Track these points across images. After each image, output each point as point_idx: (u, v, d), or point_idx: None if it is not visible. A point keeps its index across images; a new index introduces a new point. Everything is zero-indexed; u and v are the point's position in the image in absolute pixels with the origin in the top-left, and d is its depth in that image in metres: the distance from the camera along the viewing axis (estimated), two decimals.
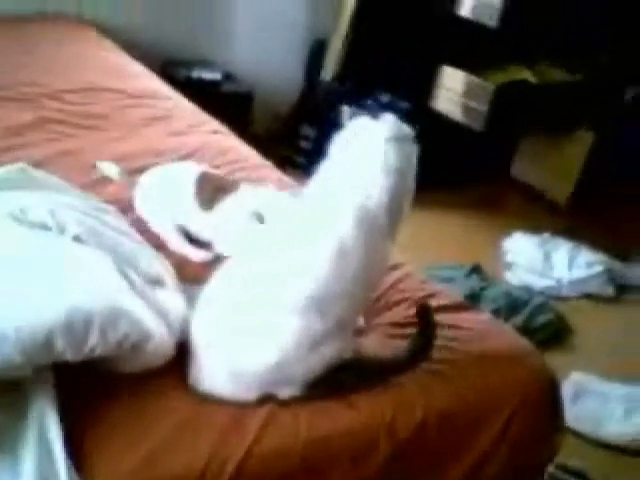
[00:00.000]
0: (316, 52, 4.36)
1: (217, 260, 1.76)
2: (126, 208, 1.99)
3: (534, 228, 3.74)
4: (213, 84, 3.97)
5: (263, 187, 2.02)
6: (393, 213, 1.56)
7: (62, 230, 1.54)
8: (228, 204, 1.92)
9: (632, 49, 4.00)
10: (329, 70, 4.19)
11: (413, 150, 1.62)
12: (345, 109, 3.87)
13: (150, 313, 1.45)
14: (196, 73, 3.96)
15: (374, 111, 3.75)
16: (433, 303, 1.83)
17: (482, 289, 3.14)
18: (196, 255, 1.91)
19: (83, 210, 1.66)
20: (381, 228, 1.55)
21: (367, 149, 1.58)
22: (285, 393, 1.48)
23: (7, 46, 3.21)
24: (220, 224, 1.91)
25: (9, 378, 1.29)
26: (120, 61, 3.35)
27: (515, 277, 3.44)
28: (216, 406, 1.45)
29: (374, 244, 1.53)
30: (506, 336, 1.88)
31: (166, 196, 2.00)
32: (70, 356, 1.32)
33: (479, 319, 1.90)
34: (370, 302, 1.72)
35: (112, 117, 2.71)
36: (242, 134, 2.81)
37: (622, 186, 4.23)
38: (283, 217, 1.68)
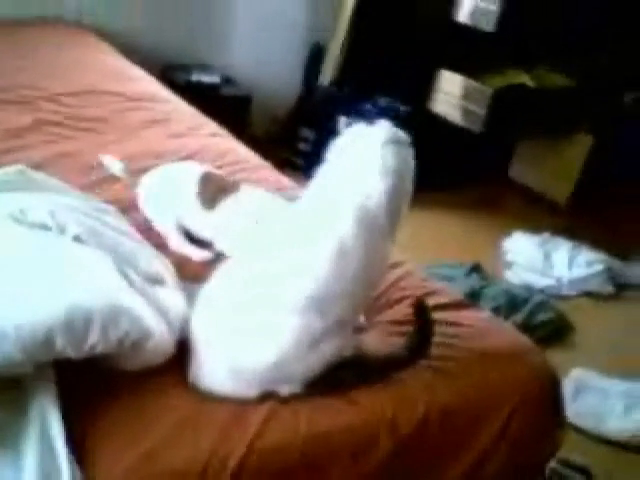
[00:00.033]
0: (314, 56, 4.38)
1: (217, 259, 1.77)
2: (126, 208, 1.99)
3: (534, 228, 3.75)
4: (212, 87, 3.98)
5: (263, 189, 2.02)
6: (392, 213, 1.57)
7: (62, 230, 1.54)
8: (229, 204, 1.93)
9: (631, 52, 4.01)
10: (327, 74, 4.20)
11: (409, 154, 1.63)
12: (342, 119, 3.87)
13: (150, 311, 1.45)
14: (195, 77, 3.98)
15: (372, 114, 3.79)
16: (434, 301, 1.84)
17: (482, 288, 3.15)
18: (196, 254, 1.91)
19: (83, 211, 1.67)
20: (381, 228, 1.55)
21: (365, 152, 1.59)
22: (285, 390, 1.48)
23: (7, 50, 3.22)
24: (221, 223, 1.92)
25: (10, 375, 1.30)
26: (119, 65, 3.36)
27: (515, 276, 3.45)
28: (217, 403, 1.45)
29: (374, 244, 1.54)
30: (506, 334, 1.88)
31: (169, 195, 2.01)
32: (70, 354, 1.32)
33: (479, 317, 1.91)
34: (370, 300, 1.72)
35: (111, 120, 2.72)
36: (241, 137, 2.82)
37: (622, 186, 4.24)
38: (283, 217, 1.68)
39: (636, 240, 3.84)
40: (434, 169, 3.39)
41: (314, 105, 4.28)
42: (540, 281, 3.41)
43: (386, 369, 1.59)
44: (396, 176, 1.57)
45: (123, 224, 1.79)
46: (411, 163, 1.63)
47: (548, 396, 1.74)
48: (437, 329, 1.67)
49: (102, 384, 1.41)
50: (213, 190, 1.97)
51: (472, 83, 3.75)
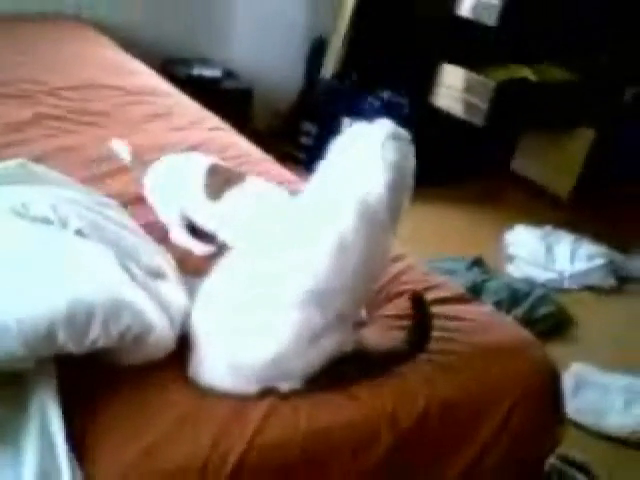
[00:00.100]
0: (316, 49, 4.37)
1: (219, 253, 1.76)
2: (128, 202, 1.99)
3: (536, 221, 3.76)
4: (213, 81, 3.98)
5: (268, 182, 2.03)
6: (393, 208, 1.56)
7: (64, 224, 1.53)
8: (235, 193, 1.93)
9: (632, 49, 4.01)
10: (329, 68, 4.19)
11: (410, 150, 1.62)
12: (345, 119, 3.87)
13: (152, 305, 1.45)
14: (196, 71, 3.98)
15: (374, 108, 3.79)
16: (435, 295, 1.84)
17: (484, 281, 3.15)
18: (198, 248, 1.91)
19: (85, 204, 1.66)
20: (382, 222, 1.55)
21: (365, 148, 1.58)
22: (285, 387, 1.48)
23: (7, 45, 3.22)
24: (226, 212, 1.92)
25: (11, 370, 1.30)
26: (119, 59, 3.36)
27: (517, 270, 3.45)
28: (217, 399, 1.45)
29: (375, 238, 1.53)
30: (507, 328, 1.88)
31: (174, 186, 2.01)
32: (72, 348, 1.32)
33: (481, 311, 1.91)
34: (371, 294, 1.72)
35: (113, 114, 2.72)
36: (242, 130, 2.82)
37: (623, 182, 4.25)
38: (284, 212, 1.68)
39: (638, 234, 3.85)
40: (436, 163, 3.40)
41: (316, 99, 4.28)
42: (542, 275, 3.41)
43: (387, 363, 1.59)
44: (397, 170, 1.56)
45: (125, 218, 1.78)
46: (412, 159, 1.63)
47: (549, 390, 1.74)
48: (438, 323, 1.68)
49: (102, 380, 1.41)
50: (220, 182, 1.96)
51: (474, 76, 3.74)
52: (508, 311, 2.91)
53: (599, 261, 3.47)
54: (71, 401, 1.34)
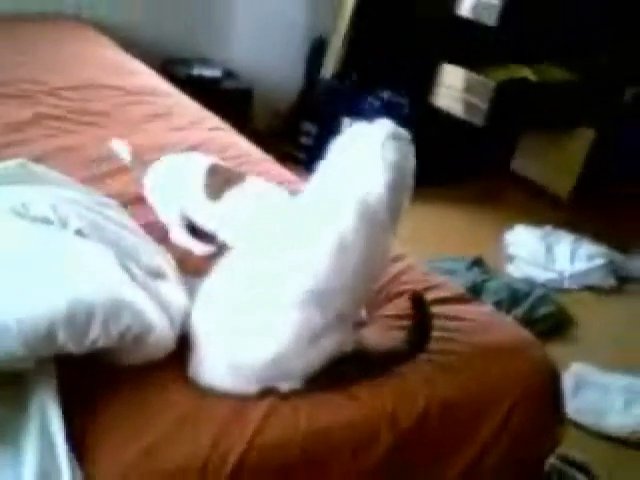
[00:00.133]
0: (316, 49, 4.37)
1: (219, 253, 1.76)
2: (128, 202, 1.99)
3: (536, 221, 3.76)
4: (213, 81, 3.98)
5: (268, 182, 2.03)
6: (393, 207, 1.56)
7: (64, 224, 1.53)
8: (235, 193, 1.93)
9: (632, 49, 4.01)
10: (329, 68, 4.19)
11: (410, 150, 1.62)
12: (345, 120, 3.86)
13: (152, 305, 1.45)
14: (196, 71, 3.98)
15: (374, 108, 3.79)
16: (435, 295, 1.84)
17: (484, 281, 3.15)
18: (198, 248, 1.91)
19: (84, 204, 1.66)
20: (381, 222, 1.55)
21: (365, 148, 1.58)
22: (285, 387, 1.48)
23: (7, 45, 3.22)
24: (226, 212, 1.92)
25: (11, 370, 1.30)
26: (119, 59, 3.36)
27: (517, 270, 3.45)
28: (217, 399, 1.45)
29: (375, 238, 1.53)
30: (507, 328, 1.88)
31: (174, 186, 2.01)
32: (72, 348, 1.31)
33: (481, 311, 1.91)
34: (371, 294, 1.72)
35: (113, 114, 2.72)
36: (242, 130, 2.82)
37: (623, 182, 4.25)
38: (284, 212, 1.68)
39: (638, 234, 3.84)
40: (436, 163, 3.40)
41: (316, 99, 4.28)
42: (542, 274, 3.41)
43: (387, 363, 1.59)
44: (396, 170, 1.56)
45: (125, 218, 1.78)
46: (412, 159, 1.63)
47: (549, 390, 1.74)
48: (438, 323, 1.67)
49: (102, 380, 1.41)
50: (220, 182, 1.96)
51: (474, 76, 3.74)
52: (508, 311, 2.91)
53: (599, 261, 3.47)
54: (71, 401, 1.34)
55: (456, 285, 2.07)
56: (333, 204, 1.53)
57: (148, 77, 3.22)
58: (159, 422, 1.37)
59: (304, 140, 4.20)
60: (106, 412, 1.36)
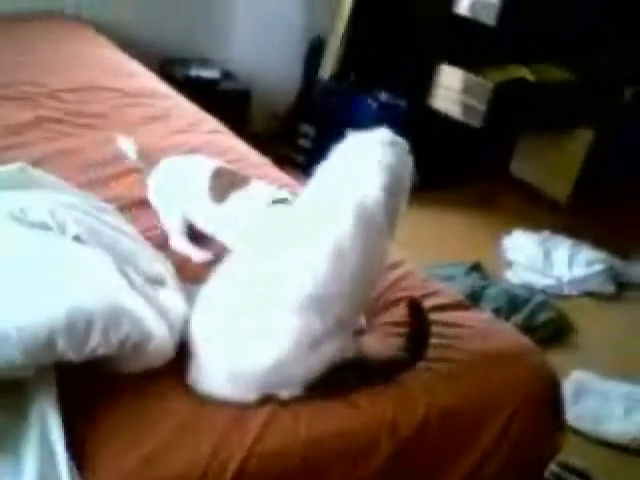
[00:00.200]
0: (314, 50, 4.36)
1: (217, 260, 1.76)
2: (130, 205, 1.99)
3: (534, 226, 3.73)
4: (211, 82, 3.96)
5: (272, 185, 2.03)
6: (390, 211, 1.57)
7: (62, 230, 1.53)
8: (239, 196, 1.92)
9: (631, 49, 4.00)
10: (327, 69, 4.18)
11: (408, 158, 1.64)
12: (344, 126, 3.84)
13: (151, 312, 1.44)
14: (194, 72, 3.96)
15: (372, 110, 3.77)
16: (434, 302, 1.84)
17: (483, 288, 3.13)
18: (196, 255, 1.91)
19: (82, 209, 1.66)
20: (379, 226, 1.55)
21: (363, 153, 1.60)
22: (285, 394, 1.48)
23: (5, 46, 3.20)
24: (230, 214, 1.91)
25: (11, 378, 1.29)
26: (117, 60, 3.35)
27: (516, 276, 3.43)
28: (216, 407, 1.44)
29: (372, 242, 1.54)
30: (507, 335, 1.88)
31: (178, 189, 2.01)
32: (72, 356, 1.31)
33: (480, 318, 1.91)
34: (371, 301, 1.72)
35: (112, 116, 2.71)
36: (240, 132, 2.81)
37: (622, 185, 4.24)
38: (283, 216, 1.68)
39: (637, 239, 3.83)
40: (434, 165, 3.38)
41: (314, 100, 4.27)
42: (540, 280, 3.39)
43: (387, 371, 1.59)
44: (393, 174, 1.58)
45: (122, 223, 1.78)
46: (409, 164, 1.65)
47: (549, 397, 1.74)
48: (437, 330, 1.68)
49: (102, 388, 1.41)
50: (225, 185, 1.96)
51: (472, 77, 3.72)
52: (508, 318, 2.89)
53: (598, 267, 3.44)
54: (71, 409, 1.33)
55: (455, 292, 2.07)
56: (331, 205, 1.54)
57: (146, 79, 3.21)
58: (159, 430, 1.37)
59: (302, 142, 4.18)
60: (106, 420, 1.36)
